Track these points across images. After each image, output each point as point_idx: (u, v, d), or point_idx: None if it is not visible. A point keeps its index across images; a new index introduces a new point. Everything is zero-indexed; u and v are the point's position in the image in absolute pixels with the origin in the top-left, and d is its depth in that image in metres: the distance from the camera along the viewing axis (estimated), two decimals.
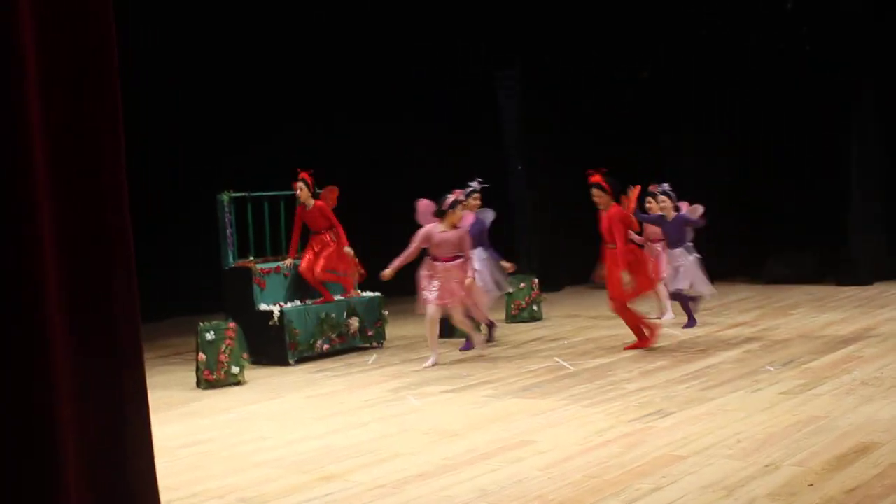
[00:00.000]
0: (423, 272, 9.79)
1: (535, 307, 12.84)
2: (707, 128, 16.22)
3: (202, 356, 9.20)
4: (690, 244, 11.37)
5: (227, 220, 10.84)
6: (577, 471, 5.51)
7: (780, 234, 15.64)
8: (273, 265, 10.80)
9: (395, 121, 16.55)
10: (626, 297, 9.84)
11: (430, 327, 9.81)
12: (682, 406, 7.04)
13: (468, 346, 10.42)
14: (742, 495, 4.83)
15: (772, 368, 8.29)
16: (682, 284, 11.21)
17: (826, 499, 4.69)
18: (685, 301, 11.30)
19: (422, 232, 9.81)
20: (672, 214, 11.34)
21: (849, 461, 5.33)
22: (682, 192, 13.08)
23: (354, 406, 7.94)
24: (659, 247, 11.64)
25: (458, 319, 10.10)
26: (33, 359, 2.23)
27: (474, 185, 10.76)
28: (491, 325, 10.89)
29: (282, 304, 10.49)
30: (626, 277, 9.56)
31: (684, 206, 11.72)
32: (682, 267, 11.21)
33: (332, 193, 11.04)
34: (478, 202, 10.79)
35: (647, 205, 11.66)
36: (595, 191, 9.68)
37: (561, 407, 7.35)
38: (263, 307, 10.47)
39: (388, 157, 16.51)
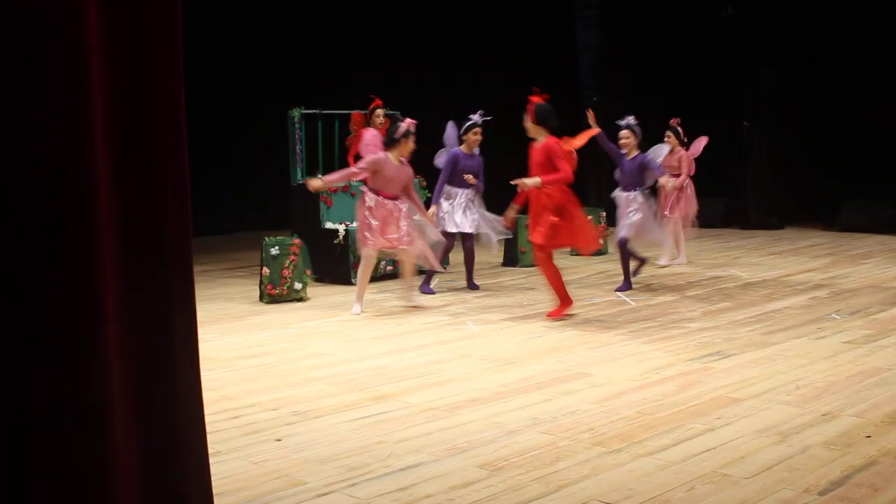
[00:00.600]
0: (363, 206, 8.67)
1: (601, 241, 12.73)
2: (788, 74, 15.77)
3: (266, 270, 9.29)
4: (647, 191, 9.98)
5: (297, 136, 10.87)
6: (630, 406, 5.47)
7: (856, 182, 15.26)
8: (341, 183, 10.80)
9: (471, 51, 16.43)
10: (553, 245, 8.29)
11: (363, 271, 8.75)
12: (742, 349, 6.95)
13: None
14: (796, 442, 4.76)
15: (838, 317, 8.13)
16: (627, 232, 9.71)
17: (883, 451, 4.60)
18: (626, 256, 9.83)
19: (374, 159, 8.70)
20: (634, 153, 9.80)
21: None
22: (760, 133, 12.82)
23: (413, 328, 7.97)
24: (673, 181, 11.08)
25: (408, 267, 9.14)
26: (79, 263, 2.23)
27: (475, 117, 9.77)
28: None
29: (347, 223, 10.51)
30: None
31: (702, 141, 11.55)
32: (631, 213, 9.75)
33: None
34: (478, 137, 9.76)
35: (666, 139, 11.26)
36: (526, 117, 8.19)
37: (619, 342, 7.30)
38: (329, 225, 10.52)
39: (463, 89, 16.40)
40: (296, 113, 10.82)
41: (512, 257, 11.78)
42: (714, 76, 16.45)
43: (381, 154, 8.75)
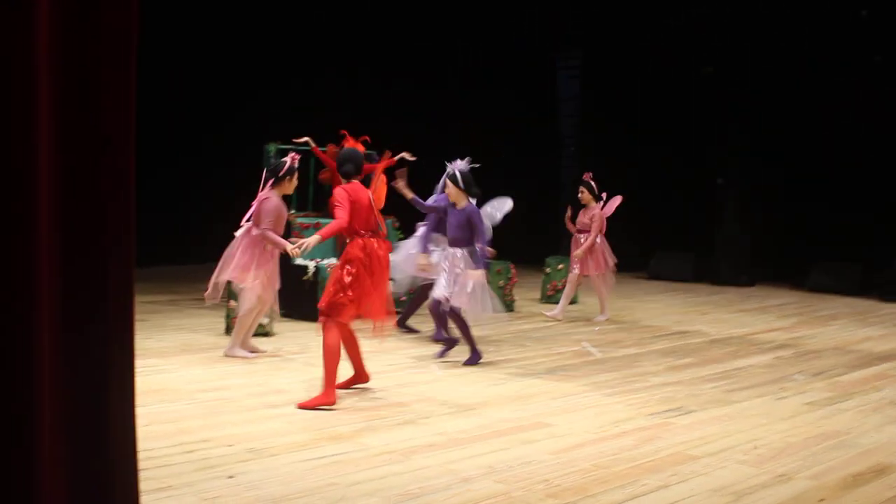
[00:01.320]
0: (253, 247, 8.16)
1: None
2: (761, 133, 15.95)
3: (233, 303, 9.24)
4: (478, 250, 8.07)
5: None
6: (586, 459, 5.46)
7: (826, 245, 15.39)
8: (313, 220, 10.80)
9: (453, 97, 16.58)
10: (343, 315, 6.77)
11: (249, 318, 8.32)
12: (704, 405, 6.96)
13: None
14: (749, 503, 4.76)
15: (800, 377, 8.16)
16: (439, 293, 8.23)
17: None
18: (440, 318, 8.64)
19: (278, 204, 8.15)
20: (463, 203, 8.19)
21: (864, 480, 5.23)
22: (733, 191, 12.92)
23: (376, 369, 7.91)
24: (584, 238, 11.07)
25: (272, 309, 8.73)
26: (16, 301, 2.21)
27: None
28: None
29: (318, 259, 10.49)
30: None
31: (616, 201, 11.19)
32: (448, 273, 8.20)
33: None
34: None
35: (580, 194, 11.22)
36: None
37: (581, 393, 7.29)
38: (299, 261, 10.48)
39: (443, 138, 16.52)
40: (272, 148, 10.84)
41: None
42: (689, 132, 16.61)
43: (276, 197, 8.16)
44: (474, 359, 8.34)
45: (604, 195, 11.21)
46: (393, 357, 8.53)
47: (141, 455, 5.16)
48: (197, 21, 14.58)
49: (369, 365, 7.63)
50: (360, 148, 7.83)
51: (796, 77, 15.73)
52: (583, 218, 11.19)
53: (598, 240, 11.13)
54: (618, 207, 11.28)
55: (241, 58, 15.18)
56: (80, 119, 2.39)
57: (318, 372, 7.64)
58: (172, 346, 8.68)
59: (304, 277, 10.31)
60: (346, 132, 10.84)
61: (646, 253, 16.72)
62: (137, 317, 8.42)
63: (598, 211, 11.15)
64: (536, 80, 17.79)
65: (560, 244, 15.96)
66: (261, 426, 5.97)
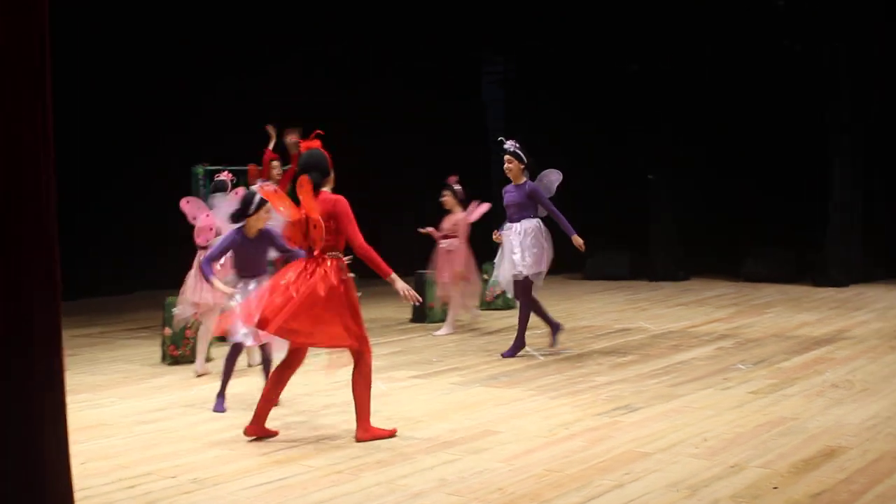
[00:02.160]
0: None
1: (509, 295, 12.70)
2: (689, 127, 16.10)
3: (168, 331, 9.05)
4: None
5: (201, 193, 10.67)
6: (539, 464, 5.39)
7: (759, 234, 15.59)
8: None
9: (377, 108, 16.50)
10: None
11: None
12: (650, 402, 6.93)
13: None
14: (705, 496, 4.72)
15: (743, 367, 8.19)
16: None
17: (790, 502, 4.58)
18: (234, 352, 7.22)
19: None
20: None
21: (815, 465, 5.23)
22: (664, 187, 12.98)
23: (319, 388, 7.80)
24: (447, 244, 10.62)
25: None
26: None
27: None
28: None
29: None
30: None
31: (473, 205, 10.61)
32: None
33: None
34: None
35: (442, 198, 10.70)
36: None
37: (527, 398, 7.23)
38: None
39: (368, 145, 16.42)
40: (200, 170, 10.64)
41: (421, 313, 11.67)
42: (617, 131, 16.69)
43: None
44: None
45: (473, 203, 10.64)
46: (338, 373, 8.37)
47: (79, 494, 4.97)
48: (113, 47, 14.30)
49: (314, 383, 7.54)
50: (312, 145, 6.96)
51: (721, 70, 15.90)
52: (446, 224, 10.68)
53: (458, 245, 10.57)
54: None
55: (159, 80, 14.92)
56: None
57: (258, 395, 7.48)
58: (107, 380, 8.45)
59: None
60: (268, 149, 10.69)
61: (581, 253, 16.72)
62: (69, 351, 8.18)
63: (461, 217, 10.60)
64: (463, 84, 17.75)
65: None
66: (204, 455, 5.81)
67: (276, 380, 6.26)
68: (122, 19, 14.12)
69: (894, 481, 4.88)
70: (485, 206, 10.66)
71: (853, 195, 14.70)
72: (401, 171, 16.45)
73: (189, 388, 7.99)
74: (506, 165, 9.13)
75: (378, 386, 7.73)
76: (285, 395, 7.43)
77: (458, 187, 10.71)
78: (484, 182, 17.19)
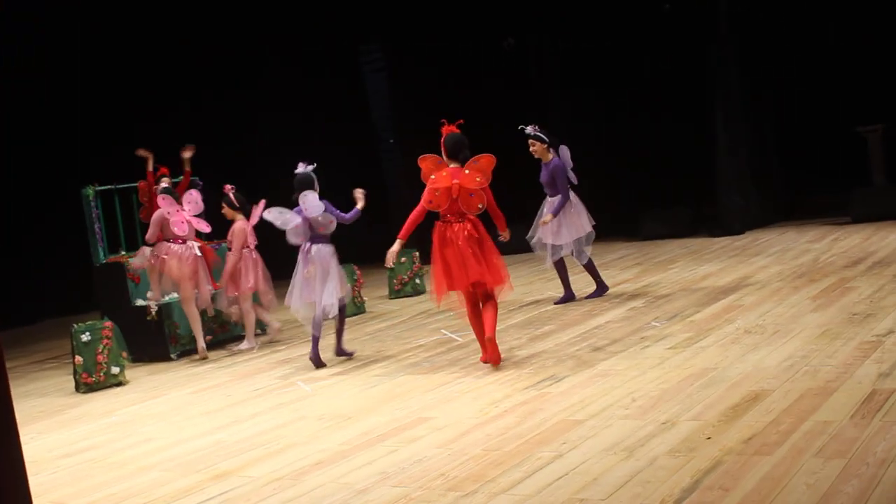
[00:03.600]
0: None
1: (417, 281, 12.75)
2: (573, 85, 16.30)
3: (79, 359, 8.85)
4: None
5: (94, 214, 10.45)
6: (476, 444, 5.44)
7: (652, 192, 15.89)
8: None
9: (256, 100, 16.34)
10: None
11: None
12: (574, 369, 7.04)
13: None
14: (643, 455, 4.83)
15: (658, 324, 8.37)
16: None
17: (725, 450, 4.72)
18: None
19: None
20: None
21: (742, 410, 5.38)
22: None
23: (242, 397, 7.73)
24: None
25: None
26: None
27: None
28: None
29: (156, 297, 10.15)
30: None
31: (253, 209, 9.99)
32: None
33: None
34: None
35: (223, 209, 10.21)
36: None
37: (454, 381, 7.27)
38: (140, 302, 10.13)
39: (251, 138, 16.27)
40: (90, 191, 10.40)
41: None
42: (506, 105, 16.79)
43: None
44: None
45: (253, 207, 10.03)
46: (256, 381, 8.33)
47: None
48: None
49: (237, 393, 7.48)
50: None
51: (598, 36, 16.12)
52: (228, 235, 10.05)
53: (246, 254, 9.98)
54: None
55: (41, 99, 14.54)
56: None
57: (184, 412, 7.43)
58: (23, 416, 8.17)
59: (148, 318, 9.94)
60: (159, 165, 10.58)
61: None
62: None
63: (240, 224, 9.97)
64: (346, 73, 17.64)
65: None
66: (138, 480, 5.71)
67: (476, 321, 7.63)
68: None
69: (820, 417, 5.05)
70: (261, 205, 9.72)
71: (737, 143, 15.07)
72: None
73: (109, 414, 7.83)
74: (530, 149, 10.21)
75: (301, 387, 7.74)
76: (207, 409, 7.38)
77: (231, 196, 10.09)
78: (376, 175, 17.23)
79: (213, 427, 6.82)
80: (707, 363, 6.65)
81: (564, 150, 10.28)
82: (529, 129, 10.19)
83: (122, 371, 9.03)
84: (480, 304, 7.56)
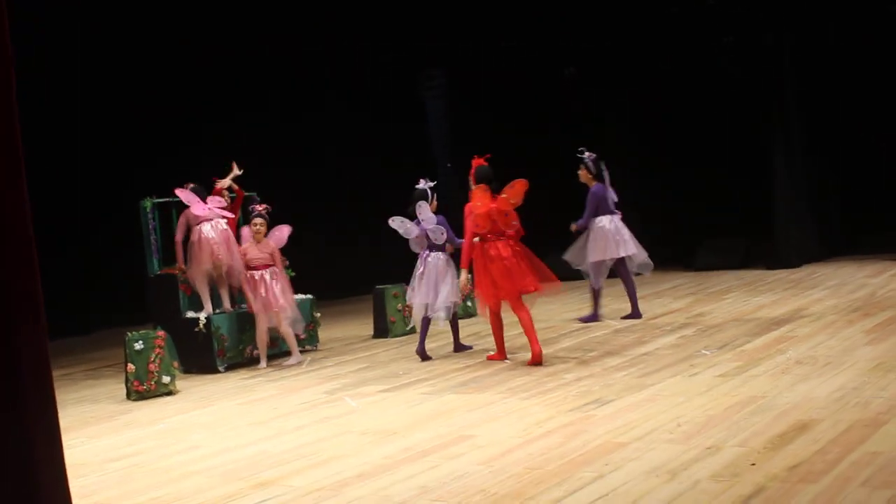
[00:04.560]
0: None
1: (468, 303, 12.75)
2: (634, 127, 16.27)
3: (131, 367, 8.96)
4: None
5: (150, 226, 10.59)
6: (517, 463, 5.41)
7: (709, 224, 15.79)
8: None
9: (318, 119, 16.51)
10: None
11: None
12: (620, 393, 6.99)
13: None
14: (685, 478, 4.77)
15: (708, 352, 8.29)
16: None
17: (769, 477, 4.65)
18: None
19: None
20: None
21: (789, 439, 5.31)
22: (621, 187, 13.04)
23: (289, 410, 7.77)
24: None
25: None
26: None
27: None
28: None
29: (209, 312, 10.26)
30: None
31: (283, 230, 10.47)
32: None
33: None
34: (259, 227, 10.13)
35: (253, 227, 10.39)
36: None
37: (499, 400, 7.26)
38: (190, 314, 10.24)
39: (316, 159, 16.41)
40: (147, 203, 10.55)
41: (382, 328, 11.68)
42: (564, 132, 16.81)
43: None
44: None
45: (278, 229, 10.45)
46: (304, 395, 8.37)
47: None
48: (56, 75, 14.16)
49: (284, 406, 7.52)
50: None
51: (662, 61, 16.08)
52: (257, 252, 10.22)
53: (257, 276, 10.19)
54: None
55: (104, 113, 14.80)
56: None
57: (230, 422, 7.50)
58: (74, 420, 8.34)
59: (196, 329, 10.05)
60: (216, 178, 10.70)
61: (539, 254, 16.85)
62: None
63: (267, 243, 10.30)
64: (403, 102, 17.79)
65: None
66: (181, 486, 5.76)
67: (500, 323, 9.01)
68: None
69: (868, 448, 4.97)
70: (285, 229, 10.51)
71: (797, 176, 14.93)
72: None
73: (157, 421, 7.91)
74: (579, 171, 11.07)
75: (348, 403, 7.77)
76: (254, 420, 7.44)
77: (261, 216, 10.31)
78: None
79: (258, 437, 6.86)
80: (756, 391, 6.57)
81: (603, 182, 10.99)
82: (587, 156, 10.88)
83: (172, 380, 9.13)
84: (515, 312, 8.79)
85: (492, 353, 9.26)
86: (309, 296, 11.16)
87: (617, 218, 10.93)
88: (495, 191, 8.87)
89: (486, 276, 8.68)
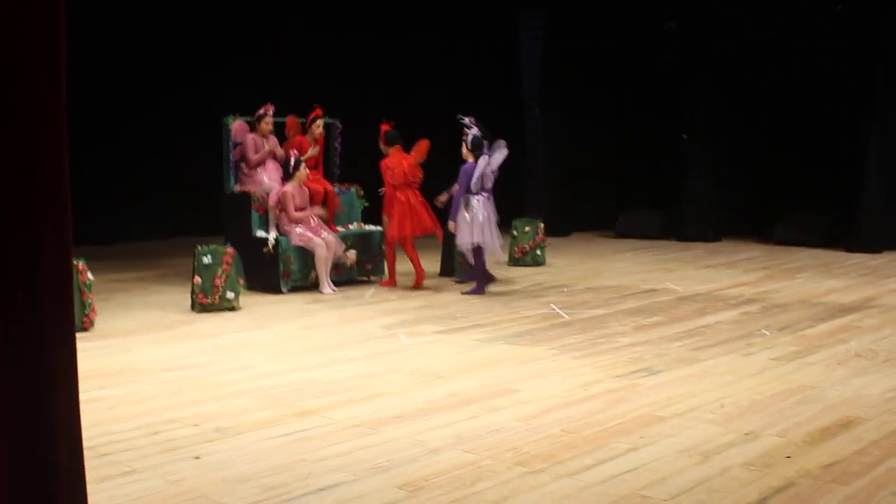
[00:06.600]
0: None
1: (538, 252, 12.75)
2: (726, 89, 15.94)
3: (198, 279, 9.17)
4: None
5: (231, 143, 10.74)
6: (555, 424, 5.45)
7: (793, 197, 15.46)
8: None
9: (410, 50, 16.48)
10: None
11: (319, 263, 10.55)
12: (671, 365, 6.97)
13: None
14: (716, 462, 4.77)
15: (767, 332, 8.19)
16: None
17: (802, 472, 4.62)
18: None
19: (279, 198, 10.46)
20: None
21: (830, 435, 5.25)
22: (698, 147, 12.82)
23: (343, 341, 7.90)
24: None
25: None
26: None
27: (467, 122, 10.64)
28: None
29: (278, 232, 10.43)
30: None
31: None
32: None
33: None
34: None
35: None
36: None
37: (550, 357, 7.29)
38: (260, 234, 10.41)
39: (400, 87, 16.41)
40: (230, 120, 10.69)
41: (449, 267, 11.74)
42: (653, 89, 16.58)
43: (286, 187, 10.41)
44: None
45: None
46: (362, 327, 8.50)
47: (104, 439, 5.13)
48: None
49: (341, 334, 7.64)
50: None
51: (760, 29, 15.69)
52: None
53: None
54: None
55: (189, 29, 14.95)
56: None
57: (285, 345, 7.65)
58: (138, 325, 8.60)
59: (265, 249, 10.22)
60: (317, 105, 10.83)
61: (613, 211, 16.78)
62: (102, 295, 8.40)
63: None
64: (498, 41, 17.66)
65: (526, 206, 15.96)
66: (227, 404, 5.92)
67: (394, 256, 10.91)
68: None
69: None
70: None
71: (889, 159, 14.51)
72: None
73: (216, 336, 8.11)
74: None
75: (402, 340, 7.87)
76: (308, 346, 7.57)
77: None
78: (518, 142, 17.24)
79: (309, 364, 7.00)
80: (807, 380, 6.49)
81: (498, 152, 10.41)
82: (467, 121, 10.69)
83: (236, 297, 9.33)
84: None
85: (384, 279, 10.99)
86: (378, 227, 11.25)
87: (484, 198, 10.27)
88: (405, 149, 10.62)
89: (396, 217, 10.45)
